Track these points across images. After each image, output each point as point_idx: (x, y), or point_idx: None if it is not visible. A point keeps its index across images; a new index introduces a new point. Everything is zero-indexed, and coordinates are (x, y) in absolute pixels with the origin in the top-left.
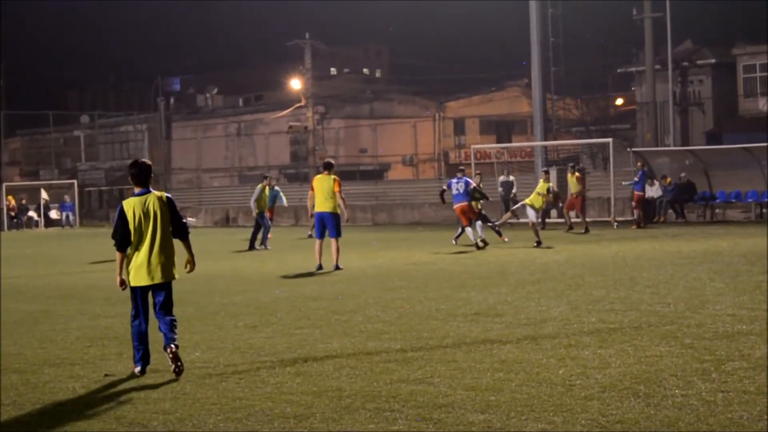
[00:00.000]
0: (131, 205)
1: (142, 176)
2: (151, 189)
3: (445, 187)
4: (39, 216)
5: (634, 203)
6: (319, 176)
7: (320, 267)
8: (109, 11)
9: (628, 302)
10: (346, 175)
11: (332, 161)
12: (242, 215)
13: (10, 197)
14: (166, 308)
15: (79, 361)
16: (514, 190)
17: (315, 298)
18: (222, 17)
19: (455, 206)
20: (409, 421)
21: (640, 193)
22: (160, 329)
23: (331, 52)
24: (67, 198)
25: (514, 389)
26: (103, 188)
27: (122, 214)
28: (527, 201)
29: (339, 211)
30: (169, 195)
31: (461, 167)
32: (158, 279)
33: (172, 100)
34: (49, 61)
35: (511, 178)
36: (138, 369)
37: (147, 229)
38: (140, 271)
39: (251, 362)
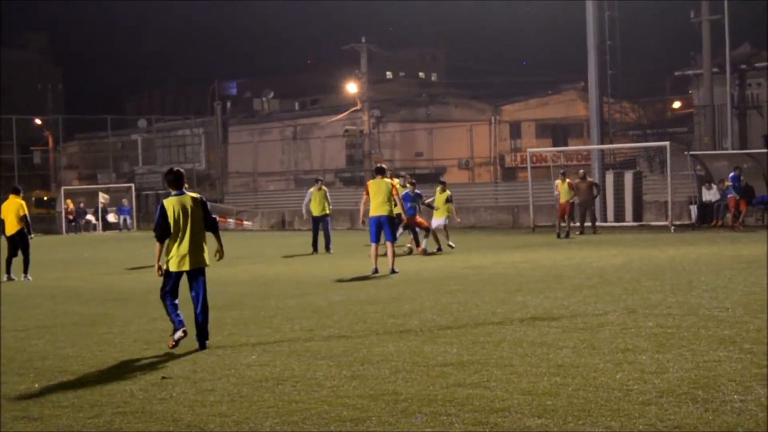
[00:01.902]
0: (171, 204)
1: (177, 181)
2: (185, 190)
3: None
4: (97, 219)
5: (731, 209)
6: (374, 180)
7: (376, 271)
8: (167, 16)
9: (685, 307)
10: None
11: (384, 166)
12: (298, 219)
13: (68, 201)
14: (203, 290)
15: (136, 363)
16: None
17: (371, 302)
18: (279, 21)
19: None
20: (466, 425)
21: (736, 196)
22: (196, 316)
23: (387, 56)
24: (124, 201)
25: (571, 394)
26: (160, 192)
27: (163, 211)
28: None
29: (394, 215)
30: (201, 196)
31: (401, 174)
32: (195, 265)
33: (228, 104)
34: (107, 66)
35: (589, 179)
36: (180, 333)
37: (185, 224)
38: (180, 259)
39: (307, 365)
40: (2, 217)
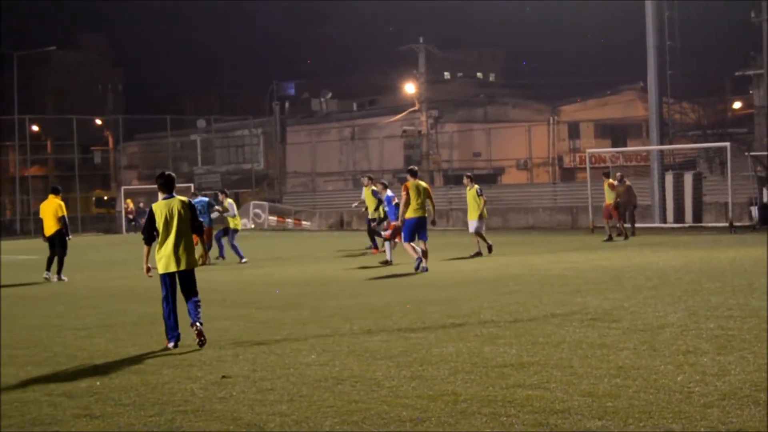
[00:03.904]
0: (159, 207)
1: (168, 185)
2: (174, 194)
3: (395, 201)
4: None
5: None
6: (413, 182)
7: (421, 259)
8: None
9: (747, 309)
10: (460, 179)
11: (416, 168)
12: (356, 219)
13: (128, 200)
14: (190, 290)
15: (196, 362)
16: None
17: (429, 302)
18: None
19: (395, 223)
20: (525, 427)
21: None
22: (188, 309)
23: (445, 57)
24: None
25: (632, 395)
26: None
27: (151, 215)
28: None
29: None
30: (190, 199)
31: (381, 181)
32: (182, 267)
33: (287, 105)
34: (166, 67)
35: (627, 182)
36: (171, 345)
37: (171, 226)
38: (167, 260)
39: (367, 365)
40: (41, 217)
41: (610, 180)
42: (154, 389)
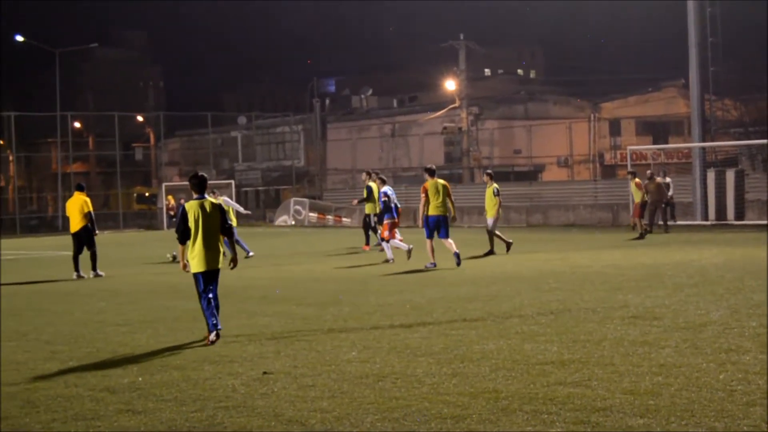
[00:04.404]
0: (192, 207)
1: (201, 186)
2: (205, 195)
3: (385, 198)
4: None
5: None
6: (432, 181)
7: (435, 264)
8: (266, 14)
9: None
10: (500, 176)
11: (434, 167)
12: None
13: (169, 197)
14: (213, 291)
15: (237, 358)
16: (670, 193)
17: (470, 299)
18: (377, 19)
19: (391, 220)
20: (567, 424)
21: None
22: (207, 315)
23: (486, 53)
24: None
25: (674, 393)
26: (259, 188)
27: (184, 215)
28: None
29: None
30: (219, 202)
31: (383, 176)
32: (210, 266)
33: (327, 102)
34: (207, 63)
35: (668, 179)
36: (213, 336)
37: (201, 226)
38: (198, 260)
39: (407, 362)
40: (67, 214)
41: (637, 179)
42: (196, 385)
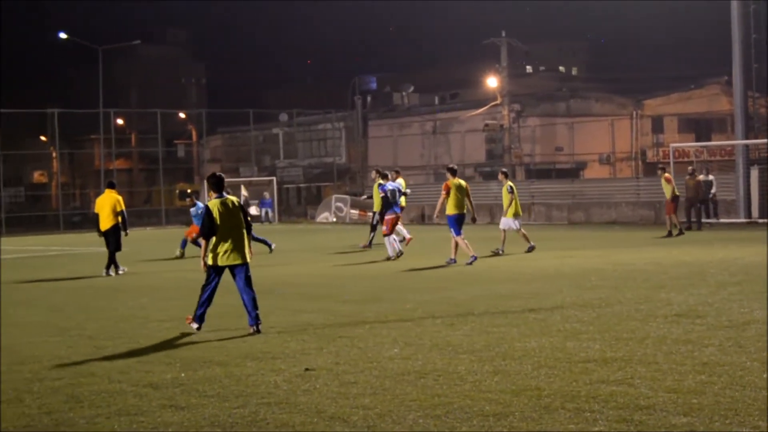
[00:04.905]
0: (215, 205)
1: (219, 185)
2: (224, 194)
3: (382, 193)
4: None
5: None
6: (456, 180)
7: (476, 257)
8: (308, 11)
9: None
10: (542, 174)
11: (455, 166)
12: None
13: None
14: (248, 283)
15: (279, 355)
16: (713, 190)
17: (511, 297)
18: (419, 16)
19: (393, 215)
20: (610, 422)
21: None
22: (245, 304)
23: (527, 50)
24: (266, 195)
25: (717, 392)
26: (301, 185)
27: (209, 212)
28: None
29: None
30: (239, 200)
31: (386, 172)
32: (236, 261)
33: (368, 99)
34: (249, 60)
35: (711, 177)
36: (196, 326)
37: (227, 223)
38: (222, 255)
39: (449, 359)
40: (96, 211)
41: (667, 174)
42: (238, 381)
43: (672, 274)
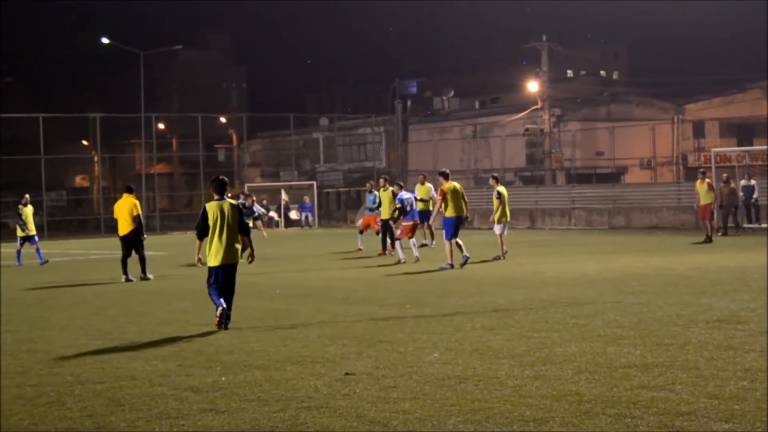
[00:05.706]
0: (212, 207)
1: (221, 188)
2: (225, 197)
3: (399, 205)
4: (279, 216)
5: None
6: (450, 184)
7: (451, 266)
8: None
9: None
10: (582, 178)
11: (448, 170)
12: (478, 217)
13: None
14: (228, 284)
15: (319, 359)
16: (755, 195)
17: (552, 302)
18: (459, 20)
19: (410, 222)
20: (651, 428)
21: None
22: (214, 297)
23: (568, 54)
24: (306, 199)
25: (759, 398)
26: (341, 189)
27: (205, 214)
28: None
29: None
30: (237, 202)
31: (399, 183)
32: (227, 261)
33: (409, 103)
34: (289, 65)
35: (753, 182)
36: (220, 309)
37: (221, 225)
38: (217, 255)
39: (489, 364)
40: (115, 216)
41: (708, 180)
42: (278, 385)
43: (713, 279)
